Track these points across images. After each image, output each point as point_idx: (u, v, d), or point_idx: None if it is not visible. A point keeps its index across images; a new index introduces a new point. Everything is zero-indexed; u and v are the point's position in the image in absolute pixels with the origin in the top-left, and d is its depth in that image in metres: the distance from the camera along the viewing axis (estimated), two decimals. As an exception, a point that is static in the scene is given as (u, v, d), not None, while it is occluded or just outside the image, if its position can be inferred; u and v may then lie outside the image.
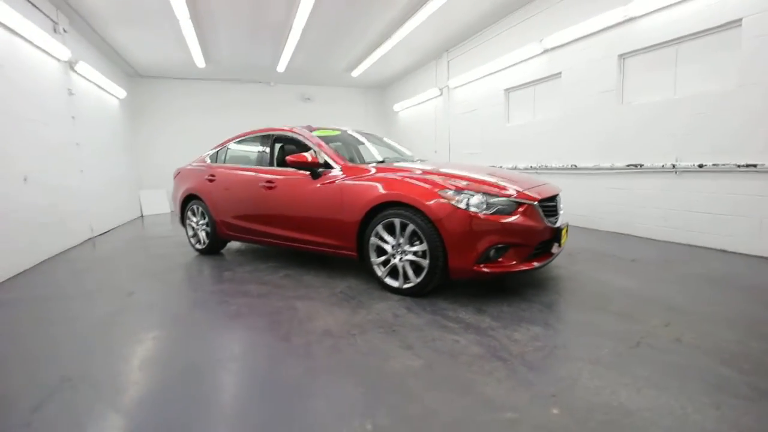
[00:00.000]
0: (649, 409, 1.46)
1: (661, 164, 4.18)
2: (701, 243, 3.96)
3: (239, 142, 4.30)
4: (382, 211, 2.83)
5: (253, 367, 1.90)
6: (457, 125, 7.99)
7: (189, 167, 4.67)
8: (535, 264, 2.58)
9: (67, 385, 1.75)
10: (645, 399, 1.52)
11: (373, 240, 2.88)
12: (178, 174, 4.77)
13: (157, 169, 9.36)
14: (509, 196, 2.59)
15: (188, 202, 4.49)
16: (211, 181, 4.19)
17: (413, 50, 7.84)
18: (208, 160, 4.46)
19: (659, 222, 4.31)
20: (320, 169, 3.26)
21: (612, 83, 4.64)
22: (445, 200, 2.55)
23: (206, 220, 4.27)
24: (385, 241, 2.84)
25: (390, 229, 2.82)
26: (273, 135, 3.87)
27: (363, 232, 2.97)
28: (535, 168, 5.92)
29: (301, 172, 3.40)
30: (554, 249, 2.76)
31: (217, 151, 4.44)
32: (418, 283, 2.70)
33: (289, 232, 3.49)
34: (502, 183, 2.73)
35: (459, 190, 2.58)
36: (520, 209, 2.57)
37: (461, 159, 7.81)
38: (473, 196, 2.54)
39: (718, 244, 3.82)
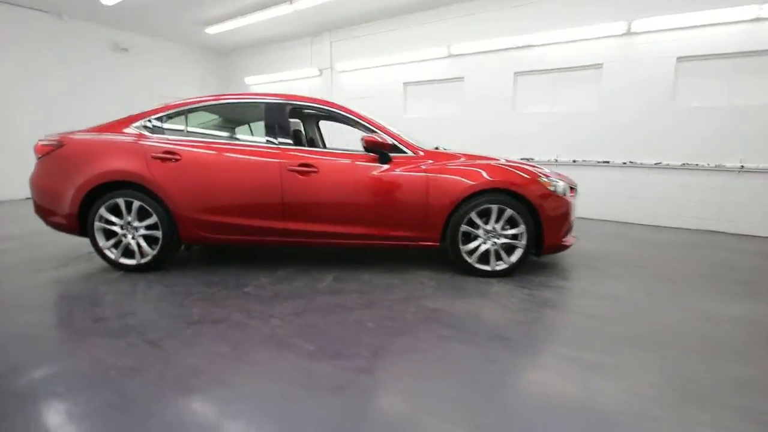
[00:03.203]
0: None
1: (546, 159, 5.78)
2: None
3: (217, 107, 3.03)
4: (470, 199, 2.85)
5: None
6: (341, 110, 7.93)
7: (98, 139, 2.90)
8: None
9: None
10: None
11: (465, 227, 2.87)
12: (66, 148, 2.87)
13: None
14: (570, 183, 3.17)
15: (102, 193, 2.84)
16: (167, 161, 2.80)
17: (286, 21, 7.14)
18: (146, 131, 2.92)
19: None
20: (391, 153, 2.86)
21: (508, 93, 5.95)
22: (543, 186, 2.88)
23: (153, 219, 2.84)
24: (477, 227, 2.88)
25: (481, 216, 2.88)
26: (289, 104, 2.98)
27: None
28: (436, 157, 6.77)
29: (360, 155, 2.89)
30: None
31: (163, 118, 2.97)
32: (513, 264, 2.92)
33: (339, 227, 2.87)
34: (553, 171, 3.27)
35: (549, 177, 2.95)
36: (572, 193, 3.20)
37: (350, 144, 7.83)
38: (559, 182, 2.97)
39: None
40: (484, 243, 2.91)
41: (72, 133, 2.97)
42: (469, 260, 2.93)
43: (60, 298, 2.50)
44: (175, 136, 2.94)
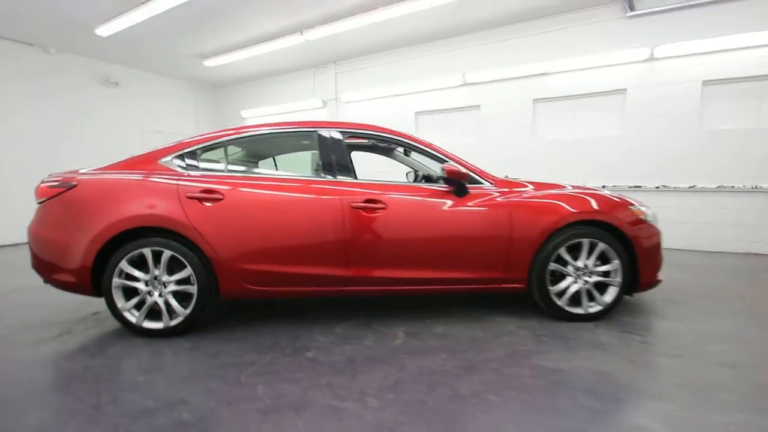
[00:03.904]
0: None
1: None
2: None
3: (261, 138, 2.63)
4: (557, 234, 2.51)
5: None
6: (348, 142, 7.66)
7: (120, 178, 2.42)
8: None
9: None
10: None
11: (553, 265, 2.51)
12: (79, 189, 2.38)
13: None
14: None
15: (121, 243, 2.33)
16: (206, 201, 2.35)
17: (291, 54, 6.95)
18: (177, 167, 2.47)
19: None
20: (468, 184, 2.52)
21: (528, 120, 5.83)
22: (635, 214, 2.58)
23: (187, 272, 2.34)
24: (566, 264, 2.53)
25: (571, 251, 2.54)
26: (347, 133, 2.62)
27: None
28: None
29: (428, 188, 2.53)
30: None
31: (197, 152, 2.53)
32: (608, 305, 2.56)
33: (411, 271, 2.45)
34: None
35: (637, 204, 2.67)
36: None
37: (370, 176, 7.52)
38: (648, 209, 2.69)
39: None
40: (575, 282, 2.55)
41: (83, 171, 2.49)
42: (558, 303, 2.55)
43: (74, 381, 1.92)
44: (213, 173, 2.50)
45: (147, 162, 2.49)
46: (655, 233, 2.64)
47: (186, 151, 2.53)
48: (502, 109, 6.03)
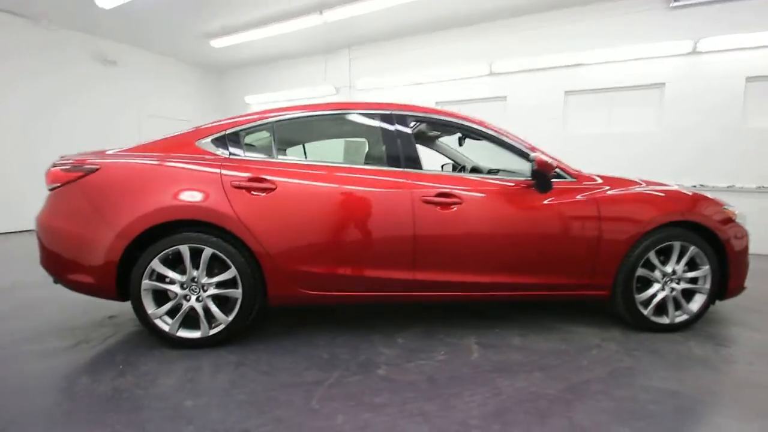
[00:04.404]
0: None
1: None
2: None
3: (315, 120, 2.28)
4: (647, 236, 2.24)
5: None
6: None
7: (152, 162, 2.05)
8: None
9: None
10: None
11: (642, 271, 2.25)
12: (101, 174, 2.00)
13: None
14: None
15: (153, 239, 1.98)
16: (255, 191, 2.01)
17: (304, 36, 6.54)
18: (218, 150, 2.11)
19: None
20: (552, 179, 2.22)
21: (558, 113, 5.57)
22: (728, 215, 2.33)
23: (230, 273, 2.00)
24: (654, 269, 2.27)
25: (661, 255, 2.28)
26: (416, 117, 2.31)
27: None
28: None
29: (505, 182, 2.24)
30: None
31: (241, 134, 2.18)
32: (695, 314, 2.32)
33: (485, 275, 2.15)
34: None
35: (725, 204, 2.42)
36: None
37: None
38: (737, 209, 2.44)
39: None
40: (662, 290, 2.30)
41: (106, 153, 2.12)
42: (644, 312, 2.29)
43: (105, 409, 1.58)
44: (261, 158, 2.16)
45: (182, 144, 2.13)
46: (744, 235, 2.40)
47: (228, 133, 2.17)
48: (531, 101, 5.75)
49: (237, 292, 2.02)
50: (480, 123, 2.38)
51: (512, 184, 2.23)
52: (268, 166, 2.09)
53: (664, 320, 2.31)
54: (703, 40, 4.64)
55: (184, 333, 2.04)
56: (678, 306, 2.31)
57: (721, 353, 2.10)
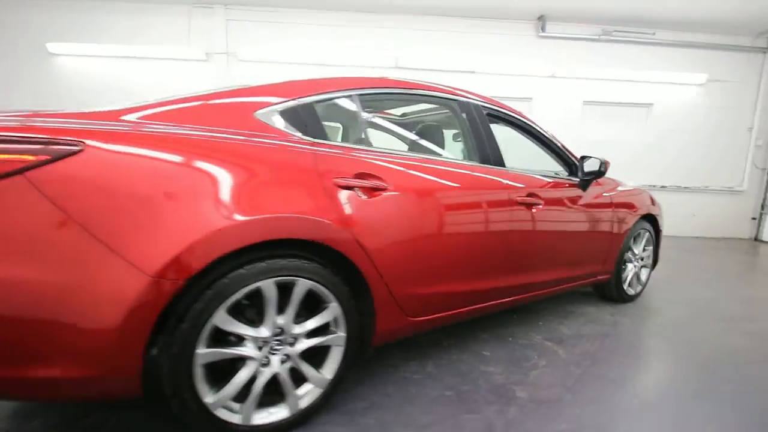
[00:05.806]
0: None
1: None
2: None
3: (414, 97, 1.73)
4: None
5: None
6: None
7: (185, 138, 1.13)
8: None
9: None
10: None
11: (626, 255, 2.76)
12: (80, 160, 0.97)
13: None
14: None
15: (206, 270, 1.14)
16: (363, 191, 1.40)
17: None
18: (295, 131, 1.34)
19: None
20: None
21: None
22: (659, 207, 3.10)
23: (330, 315, 1.35)
24: (631, 252, 2.83)
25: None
26: (488, 107, 2.08)
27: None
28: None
29: (570, 180, 2.35)
30: None
31: (314, 108, 1.44)
32: (644, 285, 3.02)
33: (544, 273, 2.19)
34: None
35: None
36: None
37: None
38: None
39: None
40: (634, 268, 2.90)
41: (87, 119, 1.09)
42: (624, 287, 2.84)
43: None
44: (346, 145, 1.53)
45: (235, 115, 1.29)
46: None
47: (301, 103, 1.44)
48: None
49: (338, 338, 1.41)
50: (532, 121, 2.40)
51: (570, 182, 2.35)
52: (372, 156, 1.51)
53: (631, 291, 2.92)
54: (557, 68, 5.96)
55: (261, 418, 1.29)
56: (638, 279, 2.96)
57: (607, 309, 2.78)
